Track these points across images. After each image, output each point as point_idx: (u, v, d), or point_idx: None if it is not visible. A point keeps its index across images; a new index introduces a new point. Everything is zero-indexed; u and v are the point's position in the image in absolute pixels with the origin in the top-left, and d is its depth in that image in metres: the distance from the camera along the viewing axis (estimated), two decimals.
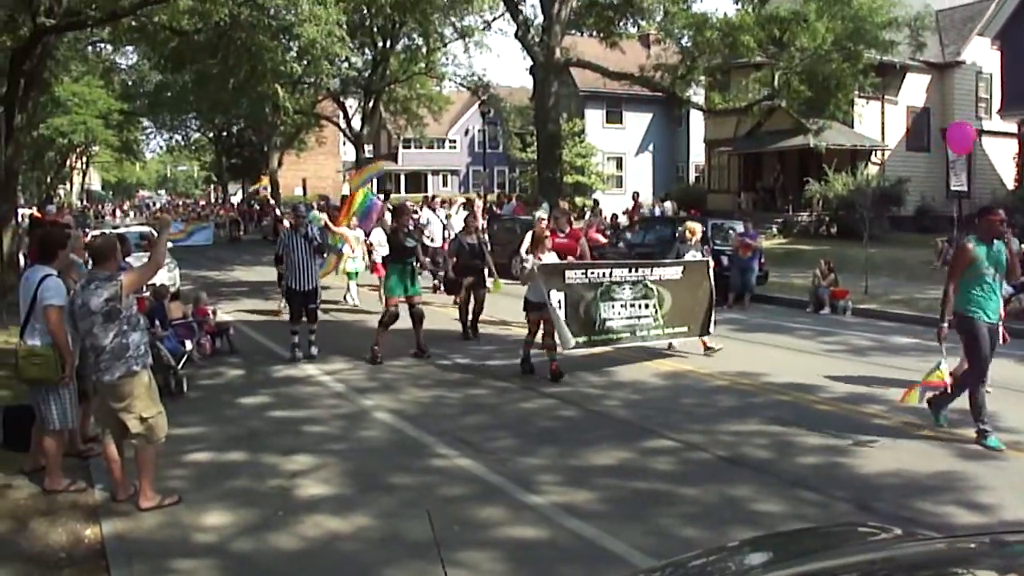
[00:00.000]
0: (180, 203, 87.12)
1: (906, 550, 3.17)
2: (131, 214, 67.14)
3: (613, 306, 12.79)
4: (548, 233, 13.32)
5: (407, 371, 12.99)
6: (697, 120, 46.90)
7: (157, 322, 12.48)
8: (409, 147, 69.56)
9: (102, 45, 44.34)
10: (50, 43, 20.72)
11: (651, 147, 52.72)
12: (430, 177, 71.08)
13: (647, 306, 13.19)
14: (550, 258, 12.79)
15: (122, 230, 21.47)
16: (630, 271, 13.27)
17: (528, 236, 13.86)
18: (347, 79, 46.28)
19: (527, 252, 13.26)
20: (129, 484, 7.74)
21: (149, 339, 8.07)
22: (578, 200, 41.42)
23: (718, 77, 35.69)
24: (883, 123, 38.27)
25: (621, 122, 52.08)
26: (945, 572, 2.85)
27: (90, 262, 7.92)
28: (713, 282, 14.25)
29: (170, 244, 13.27)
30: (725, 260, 19.77)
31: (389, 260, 14.48)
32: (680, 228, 16.02)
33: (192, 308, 14.74)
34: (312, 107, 51.30)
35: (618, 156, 52.32)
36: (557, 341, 12.36)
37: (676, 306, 13.47)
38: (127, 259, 10.39)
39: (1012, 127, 34.82)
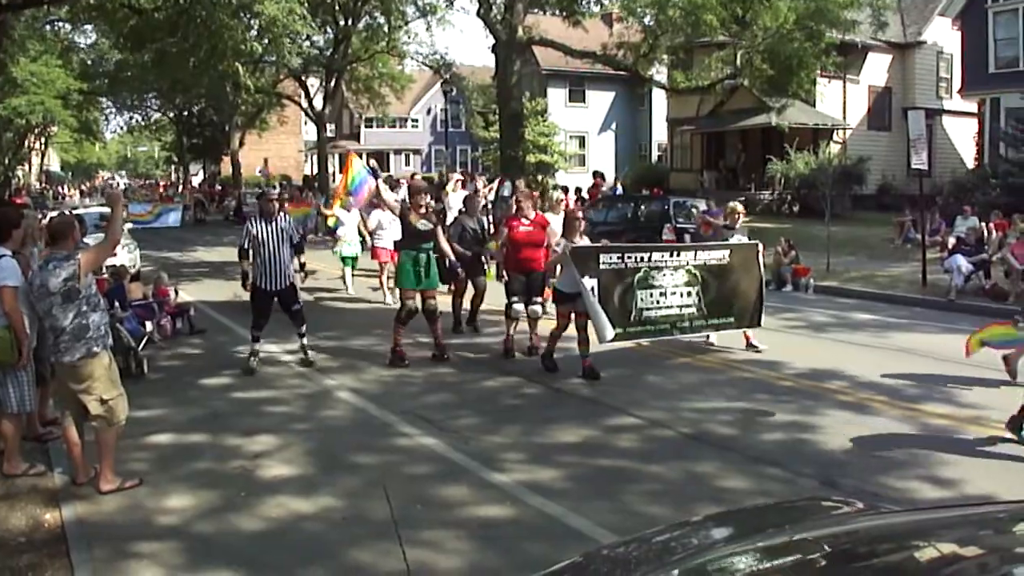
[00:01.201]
0: (136, 184, 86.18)
1: (869, 523, 3.18)
2: (93, 195, 66.38)
3: (652, 294, 11.48)
4: (578, 217, 12.19)
5: (370, 350, 12.92)
6: (660, 99, 46.93)
7: (117, 303, 12.35)
8: (371, 126, 69.21)
9: (60, 24, 43.78)
10: (7, 22, 20.46)
11: (614, 126, 52.75)
12: (392, 156, 70.69)
13: (689, 294, 11.82)
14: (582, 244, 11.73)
15: (81, 211, 21.24)
16: (671, 255, 11.94)
17: (558, 220, 13.11)
18: (308, 58, 45.86)
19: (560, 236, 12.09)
20: (89, 467, 7.66)
21: (109, 320, 7.97)
22: (540, 179, 41.31)
23: (681, 56, 35.67)
24: (845, 102, 38.44)
25: (584, 101, 52.06)
26: (908, 544, 2.87)
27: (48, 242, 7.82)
28: (763, 267, 12.89)
29: (137, 226, 13.02)
30: (688, 238, 19.86)
31: (400, 246, 12.85)
32: (713, 209, 14.96)
33: (153, 289, 14.61)
34: (273, 86, 50.86)
35: (581, 135, 52.31)
36: (591, 334, 11.20)
37: (721, 294, 12.11)
38: (84, 240, 10.27)
39: (972, 107, 35.08)
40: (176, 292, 15.18)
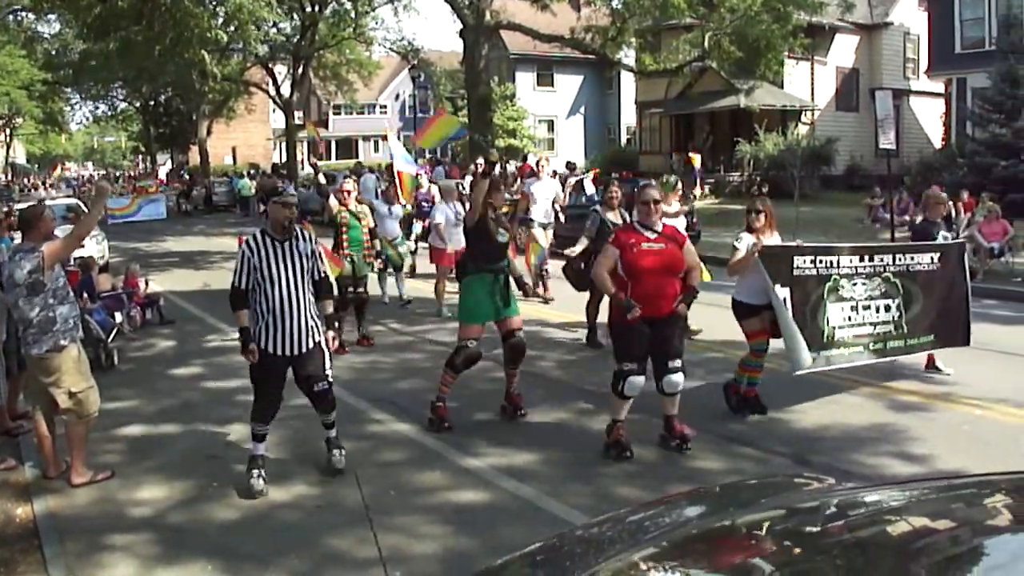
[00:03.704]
0: (95, 175, 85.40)
1: (840, 498, 3.20)
2: (61, 186, 65.85)
3: (842, 308, 9.15)
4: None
5: (342, 338, 12.89)
6: (628, 82, 46.96)
7: (85, 295, 12.26)
8: (339, 113, 69.01)
9: (23, 13, 43.37)
10: None
11: (583, 110, 52.70)
12: (361, 143, 70.49)
13: (887, 308, 9.47)
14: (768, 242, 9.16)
15: (48, 203, 21.07)
16: (862, 259, 9.37)
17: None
18: (275, 45, 45.69)
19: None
20: (60, 461, 7.62)
21: (79, 313, 7.91)
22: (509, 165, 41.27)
23: (649, 39, 35.74)
24: (812, 84, 38.59)
25: (552, 85, 51.96)
26: (879, 519, 2.89)
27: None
28: (968, 273, 10.39)
29: (118, 220, 12.54)
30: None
31: (469, 263, 9.05)
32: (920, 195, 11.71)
33: (123, 279, 14.52)
34: (240, 74, 50.64)
35: (550, 119, 52.23)
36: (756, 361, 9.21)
37: (926, 307, 9.73)
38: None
39: (939, 87, 35.29)
40: (146, 282, 15.07)
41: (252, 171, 51.85)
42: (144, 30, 27.64)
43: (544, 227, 15.78)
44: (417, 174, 15.29)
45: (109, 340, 11.67)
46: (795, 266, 8.83)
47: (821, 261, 9.04)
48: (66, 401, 7.31)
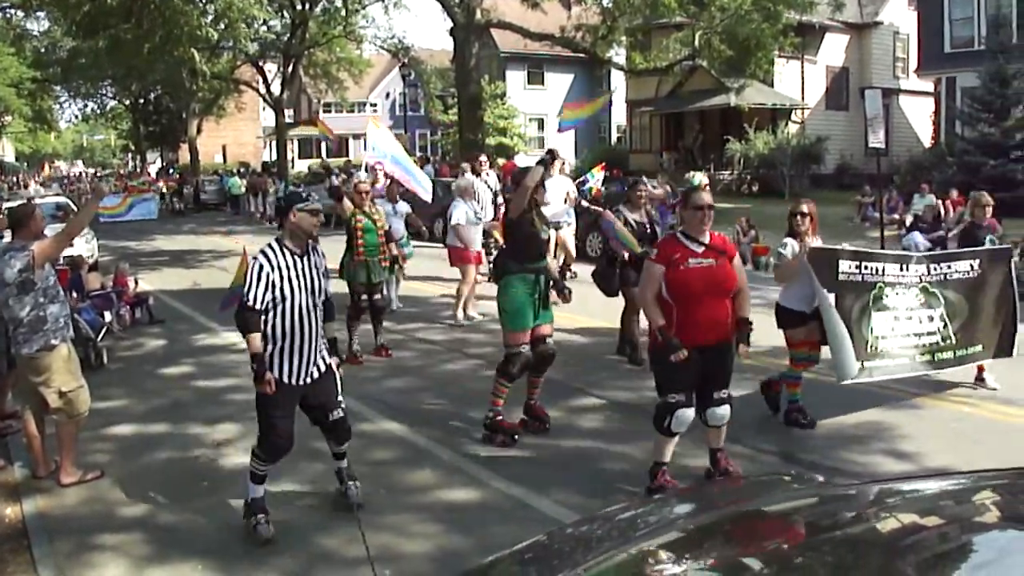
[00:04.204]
0: (85, 173, 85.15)
1: (829, 496, 3.22)
2: (52, 185, 65.66)
3: (887, 318, 8.71)
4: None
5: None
6: (618, 81, 46.95)
7: (75, 294, 12.23)
8: (330, 111, 68.82)
9: (12, 11, 43.17)
10: None
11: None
12: (351, 141, 70.35)
13: (931, 318, 9.03)
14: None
15: (37, 201, 21.02)
16: (901, 268, 8.93)
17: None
18: (265, 43, 45.55)
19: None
20: (50, 460, 7.60)
21: (69, 312, 7.89)
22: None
23: (639, 37, 35.73)
24: (803, 82, 38.61)
25: (543, 83, 51.94)
26: (868, 516, 2.90)
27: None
28: (1015, 278, 9.79)
29: (109, 219, 12.29)
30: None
31: (507, 263, 8.37)
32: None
33: (113, 278, 14.49)
34: (230, 72, 50.45)
35: (540, 117, 52.22)
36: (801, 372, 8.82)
37: (972, 316, 9.29)
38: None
39: (928, 86, 35.36)
40: (135, 281, 15.04)
41: (242, 169, 51.78)
42: (133, 28, 27.55)
43: (557, 227, 15.02)
44: (373, 166, 14.82)
45: (98, 339, 11.65)
46: (840, 270, 8.41)
47: (866, 267, 8.63)
48: (56, 400, 7.30)
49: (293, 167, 50.25)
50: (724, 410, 6.87)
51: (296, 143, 58.14)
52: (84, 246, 17.71)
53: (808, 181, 33.16)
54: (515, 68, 50.68)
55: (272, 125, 56.63)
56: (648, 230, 10.97)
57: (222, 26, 31.10)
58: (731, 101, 33.91)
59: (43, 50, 53.20)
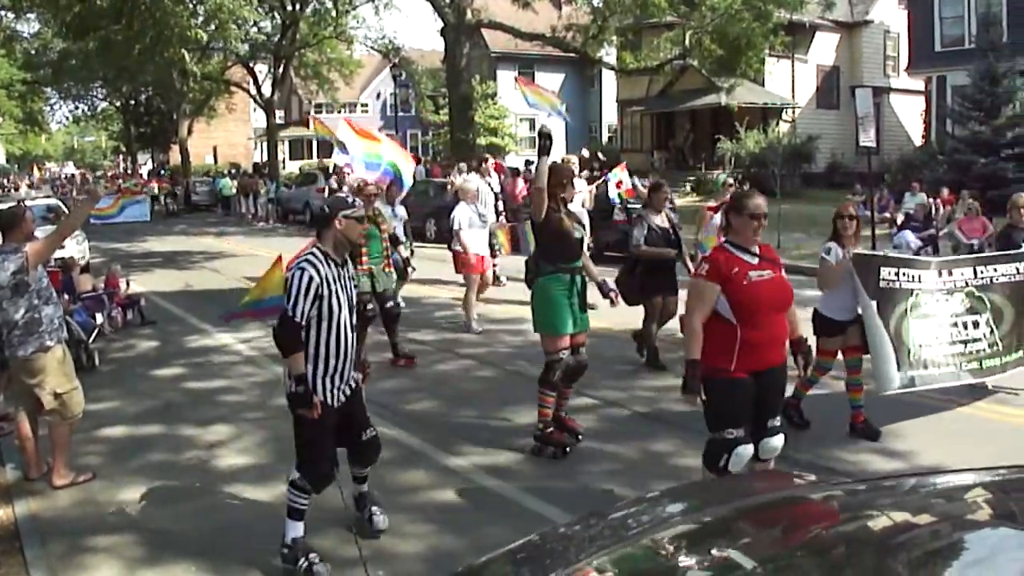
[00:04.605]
0: (75, 174, 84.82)
1: (822, 494, 3.22)
2: (42, 187, 65.44)
3: (927, 325, 8.35)
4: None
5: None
6: (609, 80, 46.97)
7: (66, 295, 12.21)
8: (320, 112, 68.65)
9: (2, 12, 43.09)
10: None
11: (564, 108, 52.69)
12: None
13: (975, 324, 8.62)
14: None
15: (28, 202, 20.96)
16: (940, 274, 8.57)
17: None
18: (256, 44, 45.55)
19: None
20: (42, 462, 7.58)
21: (62, 313, 7.88)
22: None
23: (630, 37, 35.84)
24: (793, 81, 38.71)
25: (534, 83, 51.94)
26: (861, 514, 2.90)
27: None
28: None
29: (99, 221, 12.10)
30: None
31: (540, 264, 7.89)
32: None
33: (104, 280, 14.46)
34: (221, 73, 50.45)
35: (531, 117, 52.16)
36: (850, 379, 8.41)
37: (1017, 320, 8.85)
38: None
39: (919, 85, 35.44)
40: (127, 283, 15.01)
41: (233, 171, 51.71)
42: (124, 29, 27.55)
43: None
44: (343, 168, 14.50)
45: (90, 341, 11.63)
46: (881, 277, 8.07)
47: (904, 274, 8.26)
48: (51, 402, 7.28)
49: (284, 168, 50.18)
50: (778, 440, 6.06)
51: (287, 144, 58.05)
52: (75, 248, 17.66)
53: (799, 180, 33.25)
54: (506, 68, 50.64)
55: (263, 126, 56.55)
56: (672, 235, 10.69)
57: (212, 27, 31.10)
58: (722, 100, 34.01)
59: (33, 52, 53.14)
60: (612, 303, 8.30)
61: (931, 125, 33.08)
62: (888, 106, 39.47)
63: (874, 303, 7.96)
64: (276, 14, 43.83)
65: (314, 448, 5.86)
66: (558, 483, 7.12)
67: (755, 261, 5.75)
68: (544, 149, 7.76)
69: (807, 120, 38.23)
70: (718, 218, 8.44)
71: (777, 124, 36.84)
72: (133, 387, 10.57)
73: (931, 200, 22.51)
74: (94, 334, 11.97)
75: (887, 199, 25.68)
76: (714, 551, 2.74)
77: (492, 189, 15.88)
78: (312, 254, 5.76)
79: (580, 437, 7.96)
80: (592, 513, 3.31)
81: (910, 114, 38.92)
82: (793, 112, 38.67)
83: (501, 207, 15.93)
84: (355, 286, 6.11)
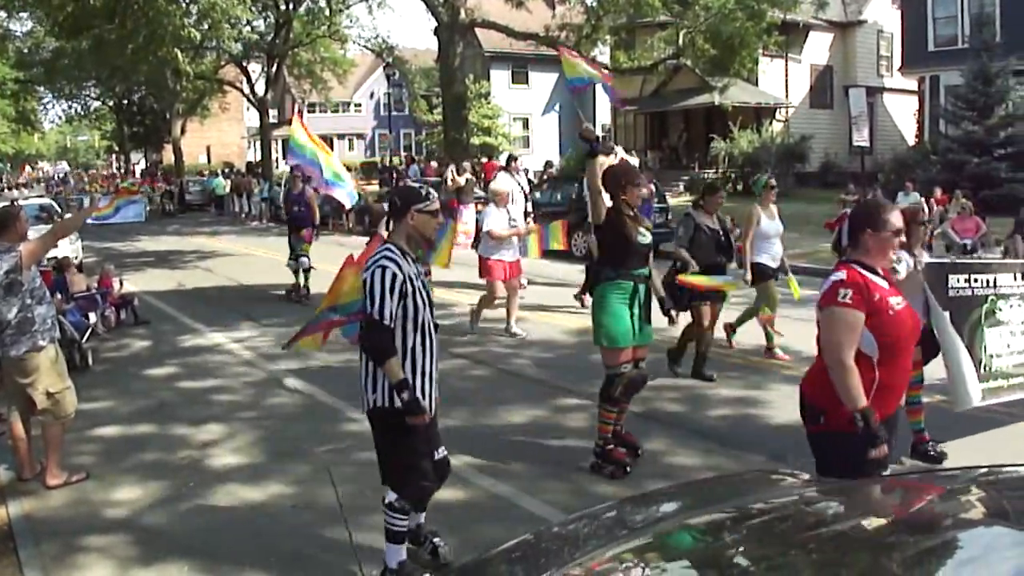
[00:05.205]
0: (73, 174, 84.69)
1: (815, 493, 3.22)
2: (34, 186, 65.29)
3: (1000, 334, 7.80)
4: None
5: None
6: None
7: (59, 295, 12.19)
8: (314, 111, 68.72)
9: None
10: None
11: (557, 107, 52.67)
12: (336, 141, 70.21)
13: None
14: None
15: (21, 202, 20.94)
16: (1015, 277, 8.03)
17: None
18: (249, 43, 45.47)
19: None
20: (35, 462, 7.57)
21: (55, 313, 7.86)
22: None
23: (623, 36, 35.79)
24: (787, 81, 38.76)
25: (527, 83, 51.94)
26: (854, 513, 2.91)
27: None
28: None
29: (95, 222, 11.99)
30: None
31: (602, 270, 7.44)
32: None
33: (97, 279, 14.44)
34: (214, 72, 50.39)
35: (524, 117, 52.22)
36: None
37: None
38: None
39: (912, 84, 35.52)
40: (120, 282, 14.99)
41: (226, 170, 51.67)
42: (117, 28, 27.53)
43: None
44: (296, 168, 14.29)
45: (83, 341, 11.62)
46: (950, 287, 7.51)
47: (976, 280, 7.70)
48: (44, 402, 7.27)
49: (277, 167, 50.11)
50: None
51: (280, 143, 57.94)
52: (68, 247, 17.65)
53: (793, 180, 33.28)
54: (499, 67, 50.68)
55: (256, 125, 56.52)
56: (723, 238, 10.26)
57: (205, 26, 31.08)
58: (715, 100, 34.04)
59: (26, 51, 53.00)
60: (671, 321, 7.95)
61: (924, 125, 33.17)
62: (881, 106, 39.55)
63: (948, 313, 7.36)
64: (269, 13, 43.80)
65: (416, 461, 5.45)
66: (551, 482, 7.12)
67: (886, 285, 4.90)
68: (595, 151, 7.37)
69: (800, 120, 38.29)
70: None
71: (770, 124, 36.90)
72: (126, 386, 10.56)
73: (924, 200, 22.55)
74: (87, 334, 11.97)
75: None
76: (708, 550, 2.74)
77: (522, 189, 15.08)
78: (388, 250, 5.35)
79: (640, 452, 7.64)
80: (586, 512, 3.31)
81: (903, 114, 39.00)
82: (786, 112, 38.73)
83: (530, 207, 15.38)
84: (426, 273, 5.62)
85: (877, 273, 4.86)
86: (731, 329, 11.53)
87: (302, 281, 15.63)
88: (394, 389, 5.19)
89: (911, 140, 35.85)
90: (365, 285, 5.27)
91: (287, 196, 16.44)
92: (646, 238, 7.29)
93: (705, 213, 10.19)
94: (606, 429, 7.38)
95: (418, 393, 5.32)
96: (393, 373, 5.18)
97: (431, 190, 5.70)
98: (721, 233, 10.18)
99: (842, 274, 4.80)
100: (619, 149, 11.30)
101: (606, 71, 12.52)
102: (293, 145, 12.30)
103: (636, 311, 7.20)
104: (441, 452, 5.62)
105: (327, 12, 44.24)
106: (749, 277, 10.63)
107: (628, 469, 7.25)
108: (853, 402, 4.59)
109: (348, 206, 15.97)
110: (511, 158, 16.63)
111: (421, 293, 5.35)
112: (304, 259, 15.49)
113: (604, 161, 7.45)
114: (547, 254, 14.39)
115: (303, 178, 15.15)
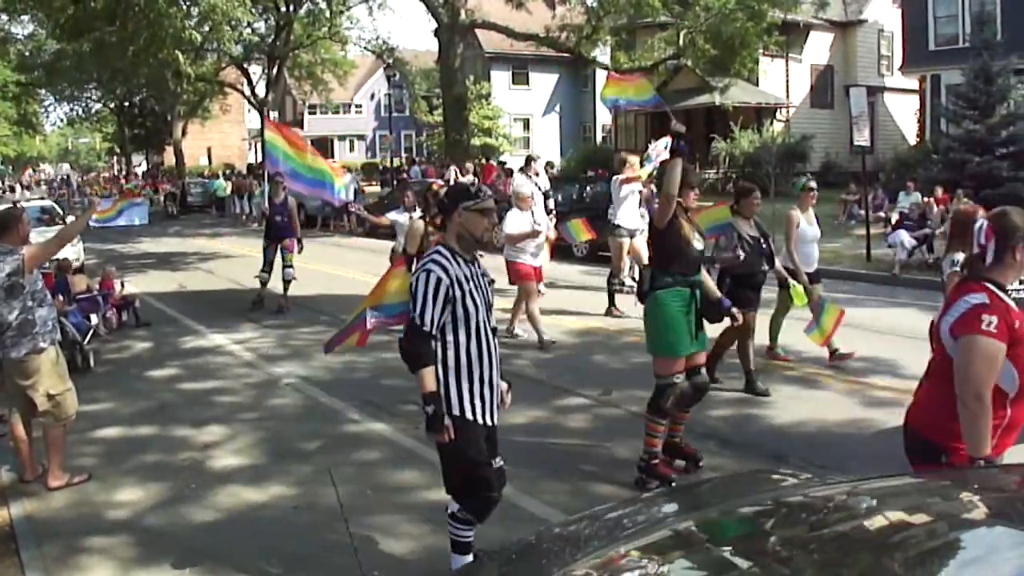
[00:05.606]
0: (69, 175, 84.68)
1: (816, 493, 3.22)
2: (34, 188, 65.29)
3: None
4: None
5: (316, 337, 12.82)
6: (603, 80, 46.92)
7: (61, 296, 12.19)
8: (315, 113, 68.79)
9: None
10: None
11: (558, 108, 52.70)
12: (336, 143, 70.28)
13: None
14: None
15: (22, 204, 20.94)
16: None
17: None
18: (250, 45, 45.56)
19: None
20: (37, 464, 7.58)
21: (56, 315, 7.87)
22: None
23: (624, 37, 35.80)
24: (787, 81, 38.71)
25: (527, 83, 51.92)
26: (856, 513, 2.90)
27: None
28: None
29: (98, 224, 11.93)
30: None
31: (657, 276, 7.07)
32: None
33: (99, 281, 14.45)
34: (215, 74, 50.47)
35: (525, 117, 52.19)
36: None
37: None
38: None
39: (913, 84, 35.47)
40: (122, 284, 14.99)
41: (227, 171, 51.68)
42: (118, 31, 27.53)
43: (631, 235, 13.63)
44: (275, 174, 14.10)
45: (85, 342, 11.63)
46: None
47: None
48: (45, 403, 7.27)
49: None
50: None
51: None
52: (70, 249, 17.62)
53: (793, 179, 33.28)
54: (500, 68, 50.64)
55: (257, 127, 56.51)
56: (763, 244, 9.70)
57: (206, 28, 31.11)
58: (716, 100, 34.04)
59: (27, 53, 53.02)
60: (733, 320, 7.64)
61: (925, 124, 33.09)
62: (882, 105, 39.49)
63: None
64: (270, 15, 43.84)
65: (476, 473, 5.22)
66: (552, 482, 7.12)
67: (1016, 308, 4.22)
68: (680, 151, 7.03)
69: (801, 119, 38.24)
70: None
71: (771, 123, 36.86)
72: (128, 388, 10.56)
73: (926, 199, 22.53)
74: (89, 335, 11.98)
75: (881, 198, 25.70)
76: (708, 550, 2.74)
77: (542, 190, 14.75)
78: (438, 252, 5.14)
79: (701, 464, 7.39)
80: (588, 513, 3.31)
81: (904, 113, 38.94)
82: (787, 111, 38.69)
83: (551, 205, 15.08)
84: (490, 282, 5.36)
85: (1007, 292, 4.28)
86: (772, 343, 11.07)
87: (281, 291, 15.12)
88: (422, 398, 5.08)
89: (912, 139, 35.79)
90: (410, 288, 5.16)
91: (269, 204, 15.79)
92: (701, 243, 7.19)
93: (743, 219, 9.61)
94: (653, 443, 7.10)
95: (476, 401, 5.14)
96: (424, 383, 5.07)
97: (483, 187, 5.49)
98: (761, 239, 9.69)
99: (983, 297, 4.17)
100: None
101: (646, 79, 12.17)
102: (270, 151, 12.16)
103: (692, 318, 6.99)
104: (498, 461, 5.40)
105: (327, 14, 44.29)
106: (805, 281, 10.25)
107: (672, 484, 6.91)
108: (978, 447, 4.03)
109: (338, 204, 15.65)
110: (529, 159, 16.34)
111: (474, 296, 5.09)
112: (289, 270, 15.00)
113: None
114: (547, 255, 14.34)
115: (284, 186, 14.77)
